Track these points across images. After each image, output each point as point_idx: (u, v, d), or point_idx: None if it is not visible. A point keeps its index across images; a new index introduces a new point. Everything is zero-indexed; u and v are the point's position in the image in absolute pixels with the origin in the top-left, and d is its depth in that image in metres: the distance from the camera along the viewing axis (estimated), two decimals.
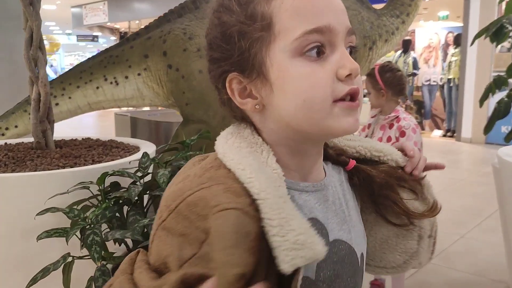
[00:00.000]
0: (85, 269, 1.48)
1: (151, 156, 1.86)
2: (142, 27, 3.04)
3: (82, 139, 2.38)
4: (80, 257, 1.48)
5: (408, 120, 2.34)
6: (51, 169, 1.74)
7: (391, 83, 2.40)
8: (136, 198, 1.55)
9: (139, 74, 2.84)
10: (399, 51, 9.24)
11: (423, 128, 9.34)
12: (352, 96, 0.62)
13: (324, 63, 0.60)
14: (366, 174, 0.76)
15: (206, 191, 0.57)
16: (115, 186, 1.64)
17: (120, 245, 1.58)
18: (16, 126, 2.73)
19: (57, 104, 2.78)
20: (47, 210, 1.50)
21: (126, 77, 2.84)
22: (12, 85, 3.44)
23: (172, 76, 2.76)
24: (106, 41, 23.73)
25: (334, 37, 0.61)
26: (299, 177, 0.67)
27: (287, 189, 0.61)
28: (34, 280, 1.39)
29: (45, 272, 1.41)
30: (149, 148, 2.15)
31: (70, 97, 2.80)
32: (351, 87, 0.61)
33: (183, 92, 2.73)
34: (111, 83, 2.83)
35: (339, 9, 0.63)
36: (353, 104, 0.62)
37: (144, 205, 1.66)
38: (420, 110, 9.38)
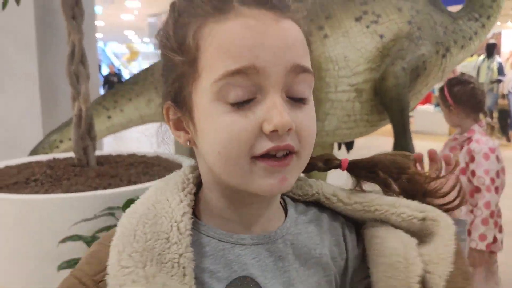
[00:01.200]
0: None
1: None
2: None
3: (128, 154, 2.31)
4: None
5: (481, 142, 1.98)
6: (84, 190, 1.66)
7: (460, 98, 2.08)
8: None
9: None
10: (482, 56, 8.55)
11: (509, 140, 8.56)
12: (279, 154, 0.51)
13: (248, 112, 0.50)
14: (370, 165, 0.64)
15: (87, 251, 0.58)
16: None
17: None
18: (70, 139, 2.73)
19: (109, 117, 2.76)
20: (69, 238, 1.41)
21: None
22: None
23: None
24: None
25: (264, 80, 0.49)
26: (239, 227, 0.58)
27: (220, 242, 0.56)
28: None
29: None
30: (186, 163, 2.03)
31: (122, 110, 2.77)
32: (275, 145, 0.50)
33: None
34: None
35: (278, 43, 0.50)
36: (275, 164, 0.51)
37: None
38: (506, 119, 8.63)
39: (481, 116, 2.14)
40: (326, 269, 0.60)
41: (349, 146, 3.43)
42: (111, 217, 1.49)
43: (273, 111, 0.49)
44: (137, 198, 1.44)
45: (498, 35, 9.83)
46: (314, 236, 0.61)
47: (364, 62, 2.72)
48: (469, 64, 9.61)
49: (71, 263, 1.37)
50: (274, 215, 0.60)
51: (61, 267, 1.38)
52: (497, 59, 8.37)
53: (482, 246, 1.90)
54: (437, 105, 10.23)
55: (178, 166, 2.09)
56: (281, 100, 0.50)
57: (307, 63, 0.52)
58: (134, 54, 27.96)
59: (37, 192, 1.67)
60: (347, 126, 2.87)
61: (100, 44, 25.79)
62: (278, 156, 0.50)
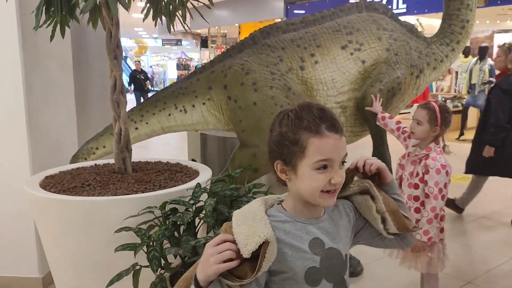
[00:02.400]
0: (149, 275, 1.93)
1: (206, 181, 2.32)
2: (210, 60, 3.50)
3: (154, 162, 2.87)
4: (146, 266, 1.93)
5: (436, 160, 2.48)
6: (127, 193, 2.22)
7: (446, 124, 2.57)
8: (189, 221, 1.99)
9: (204, 104, 3.29)
10: (475, 58, 9.00)
11: None
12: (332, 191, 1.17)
13: (326, 173, 1.14)
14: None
15: None
16: (174, 211, 2.08)
17: (175, 258, 2.02)
18: (104, 147, 3.31)
19: (136, 128, 3.32)
20: (122, 229, 1.98)
21: (193, 106, 3.31)
22: (103, 107, 4.06)
23: (231, 106, 3.18)
24: (189, 44, 25.11)
25: (333, 163, 1.14)
26: (307, 215, 1.21)
27: (299, 223, 1.19)
28: (111, 282, 1.87)
29: (119, 276, 1.88)
30: (206, 173, 2.59)
31: (147, 123, 3.33)
32: (333, 188, 1.16)
33: (239, 121, 3.15)
34: (181, 111, 3.32)
35: (339, 148, 1.14)
36: (332, 194, 1.17)
37: (196, 226, 2.10)
38: None
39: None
40: (347, 229, 1.27)
41: None
42: (151, 214, 2.05)
43: (335, 175, 1.13)
44: (171, 200, 2.04)
45: (492, 35, 10.23)
46: (338, 216, 1.27)
47: (348, 84, 3.25)
48: (464, 64, 10.09)
49: (124, 246, 1.94)
50: (322, 210, 1.24)
51: (117, 250, 1.95)
52: (489, 61, 8.82)
53: (424, 239, 2.45)
54: None
55: (195, 172, 2.65)
56: (339, 169, 1.14)
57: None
58: (142, 48, 28.53)
59: (92, 194, 2.23)
60: None
61: None
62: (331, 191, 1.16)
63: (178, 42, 22.72)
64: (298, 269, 1.14)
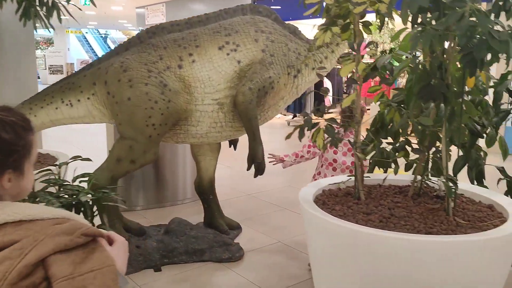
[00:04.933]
0: None
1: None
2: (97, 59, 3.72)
3: None
4: None
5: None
6: None
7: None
8: None
9: (88, 98, 3.52)
10: None
11: None
12: None
13: None
14: None
15: None
16: None
17: None
18: None
19: None
20: None
21: (79, 100, 3.53)
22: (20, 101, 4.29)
23: (110, 101, 3.40)
24: None
25: None
26: None
27: None
28: None
29: None
30: (63, 159, 2.83)
31: (35, 115, 3.55)
32: None
33: (117, 114, 3.37)
34: (67, 105, 3.54)
35: None
36: None
37: None
38: None
39: None
40: None
41: (234, 144, 4.18)
42: None
43: None
44: None
45: None
46: None
47: (225, 82, 3.46)
48: None
49: None
50: None
51: None
52: None
53: None
54: None
55: (54, 159, 2.89)
56: None
57: None
58: None
59: None
60: (216, 130, 3.61)
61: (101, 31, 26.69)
62: None
63: None
64: None
